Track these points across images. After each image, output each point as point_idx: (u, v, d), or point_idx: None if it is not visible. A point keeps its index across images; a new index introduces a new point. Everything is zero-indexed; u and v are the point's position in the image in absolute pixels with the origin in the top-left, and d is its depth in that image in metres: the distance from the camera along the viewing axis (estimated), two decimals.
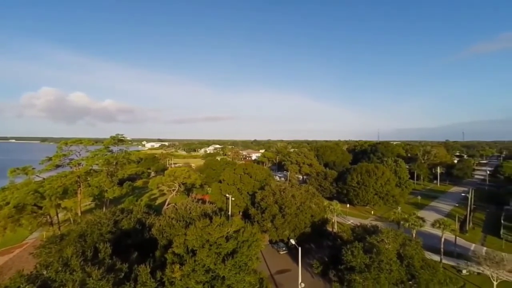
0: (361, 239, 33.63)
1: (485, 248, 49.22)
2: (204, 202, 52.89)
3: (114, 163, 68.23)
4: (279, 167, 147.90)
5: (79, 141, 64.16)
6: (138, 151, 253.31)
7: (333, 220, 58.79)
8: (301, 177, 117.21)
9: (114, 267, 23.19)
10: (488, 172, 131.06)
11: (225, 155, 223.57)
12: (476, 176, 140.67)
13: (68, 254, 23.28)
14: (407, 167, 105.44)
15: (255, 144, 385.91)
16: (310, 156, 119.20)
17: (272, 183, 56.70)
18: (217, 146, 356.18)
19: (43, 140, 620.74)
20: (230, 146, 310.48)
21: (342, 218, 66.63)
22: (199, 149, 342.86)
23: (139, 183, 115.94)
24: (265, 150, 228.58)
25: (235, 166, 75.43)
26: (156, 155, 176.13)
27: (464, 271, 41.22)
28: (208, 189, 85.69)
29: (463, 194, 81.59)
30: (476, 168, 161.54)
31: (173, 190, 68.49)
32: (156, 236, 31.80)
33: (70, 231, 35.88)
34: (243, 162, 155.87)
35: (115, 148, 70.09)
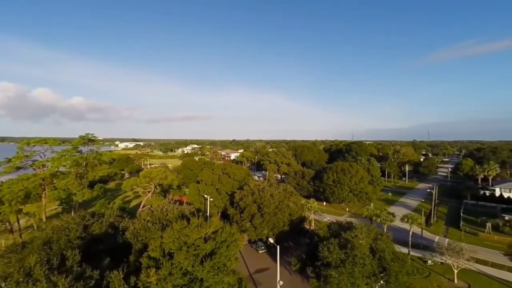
0: (336, 235, 34.80)
1: (447, 240, 53.28)
2: (181, 203, 51.66)
3: (84, 164, 64.32)
4: (258, 166, 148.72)
5: (43, 141, 59.52)
6: (111, 151, 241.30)
7: (311, 218, 60.33)
8: (279, 176, 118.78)
9: (83, 275, 21.87)
10: (449, 170, 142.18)
11: (203, 155, 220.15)
12: (439, 173, 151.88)
13: (30, 263, 21.50)
14: (379, 165, 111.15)
15: (234, 144, 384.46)
16: (288, 155, 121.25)
17: (251, 183, 56.82)
18: (195, 146, 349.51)
19: (2, 140, 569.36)
20: (208, 146, 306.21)
21: (319, 215, 68.55)
22: (176, 149, 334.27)
23: (111, 185, 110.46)
24: (244, 150, 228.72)
25: (213, 166, 74.49)
26: (130, 156, 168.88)
27: (429, 262, 44.29)
28: (185, 190, 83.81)
29: (428, 190, 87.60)
30: (439, 166, 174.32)
31: (149, 191, 66.09)
32: (130, 240, 30.48)
33: (33, 239, 33.27)
34: (222, 162, 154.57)
35: (85, 149, 66.04)
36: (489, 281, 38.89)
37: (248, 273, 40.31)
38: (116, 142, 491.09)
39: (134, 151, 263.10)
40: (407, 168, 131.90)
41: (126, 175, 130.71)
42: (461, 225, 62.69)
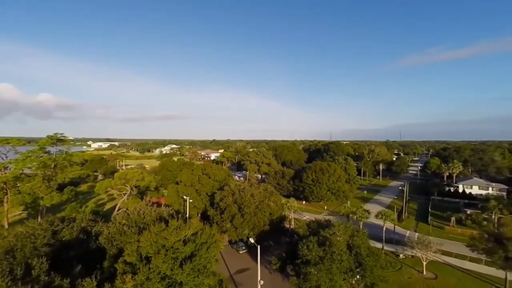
0: (315, 233, 35.67)
1: (417, 234, 56.60)
2: (159, 205, 50.15)
3: (52, 166, 60.32)
4: (239, 166, 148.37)
5: (5, 141, 55.11)
6: (83, 152, 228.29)
7: (290, 217, 61.29)
8: (260, 176, 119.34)
9: (51, 284, 20.51)
10: (419, 168, 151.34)
11: (183, 155, 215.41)
12: (410, 171, 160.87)
13: None
14: (355, 164, 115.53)
15: (214, 144, 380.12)
16: (269, 155, 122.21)
17: (231, 183, 56.54)
18: (174, 146, 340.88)
19: None
20: (187, 146, 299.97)
21: (299, 214, 69.85)
22: (154, 150, 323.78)
23: (83, 187, 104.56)
24: (224, 150, 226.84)
25: (193, 167, 73.13)
26: (104, 156, 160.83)
27: (401, 255, 46.83)
28: (164, 191, 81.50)
29: (400, 188, 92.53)
30: (410, 164, 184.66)
31: (125, 194, 63.45)
32: (105, 245, 29.09)
33: None
34: (202, 162, 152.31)
35: (53, 149, 61.94)
36: (453, 271, 41.92)
37: (229, 274, 40.09)
38: (89, 142, 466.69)
39: (108, 152, 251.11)
40: (381, 167, 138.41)
41: (100, 177, 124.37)
42: (429, 220, 66.99)
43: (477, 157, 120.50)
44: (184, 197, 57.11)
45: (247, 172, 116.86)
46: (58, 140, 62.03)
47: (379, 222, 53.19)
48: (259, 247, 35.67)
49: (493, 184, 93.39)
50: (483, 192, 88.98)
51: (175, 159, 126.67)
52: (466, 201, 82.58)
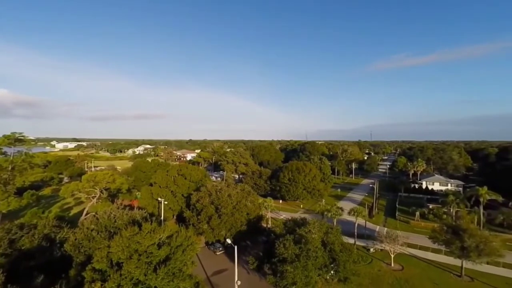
0: (292, 231, 36.41)
1: (386, 229, 59.93)
2: (132, 208, 48.03)
3: (10, 169, 55.20)
4: (216, 167, 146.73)
5: None
6: (46, 153, 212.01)
7: (268, 216, 61.91)
8: (237, 176, 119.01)
9: None
10: (388, 166, 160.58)
11: (157, 156, 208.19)
12: (380, 170, 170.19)
13: None
14: (330, 164, 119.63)
15: (191, 144, 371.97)
16: (246, 155, 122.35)
17: (208, 184, 55.76)
18: (148, 146, 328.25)
19: None
20: (162, 146, 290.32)
21: (276, 213, 70.79)
22: (126, 150, 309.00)
23: (46, 191, 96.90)
24: (201, 150, 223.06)
25: (168, 168, 71.03)
26: (71, 157, 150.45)
27: (371, 250, 49.39)
28: (137, 193, 78.15)
29: (371, 185, 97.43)
30: (380, 163, 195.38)
31: (93, 197, 59.91)
32: (71, 252, 27.25)
33: None
34: (177, 163, 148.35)
35: (10, 150, 56.68)
36: (418, 262, 45.10)
37: (206, 276, 39.52)
38: (53, 142, 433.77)
39: (75, 152, 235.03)
40: (353, 166, 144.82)
41: (66, 180, 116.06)
42: (396, 215, 71.42)
43: (438, 156, 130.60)
44: (159, 199, 55.26)
45: (225, 173, 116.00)
46: (16, 140, 56.95)
47: (352, 218, 55.62)
48: (236, 247, 35.59)
49: (452, 180, 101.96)
50: (443, 188, 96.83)
51: (149, 159, 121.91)
52: (429, 196, 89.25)
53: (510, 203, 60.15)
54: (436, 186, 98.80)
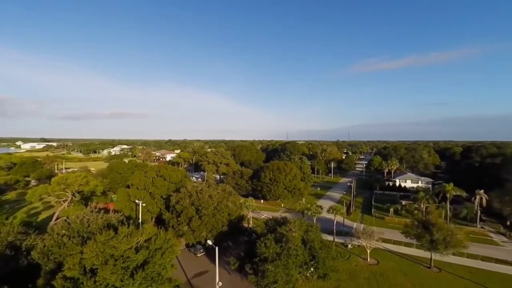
0: (273, 230, 36.78)
1: (362, 225, 62.37)
2: (107, 211, 45.91)
3: None
4: (196, 167, 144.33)
5: None
6: (10, 153, 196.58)
7: (249, 216, 62.04)
8: (218, 176, 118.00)
9: None
10: (364, 165, 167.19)
11: (135, 156, 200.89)
12: (357, 169, 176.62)
13: None
14: (310, 163, 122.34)
15: (170, 144, 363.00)
16: (227, 155, 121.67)
17: (188, 185, 54.72)
18: (125, 146, 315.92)
19: None
20: (140, 147, 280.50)
21: (257, 213, 71.08)
22: (101, 151, 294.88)
23: (11, 195, 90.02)
24: (181, 151, 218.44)
25: (146, 169, 68.70)
26: (39, 159, 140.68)
27: (349, 246, 51.17)
28: (112, 196, 74.96)
29: (348, 184, 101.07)
30: (357, 162, 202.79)
31: (65, 200, 56.58)
32: (39, 260, 25.55)
33: None
34: (156, 163, 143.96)
35: None
36: (392, 256, 47.44)
37: (186, 279, 38.81)
38: (18, 143, 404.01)
39: (44, 153, 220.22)
40: (332, 165, 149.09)
41: (33, 183, 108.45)
42: (372, 212, 74.59)
43: (410, 155, 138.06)
44: (136, 201, 53.39)
45: (205, 173, 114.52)
46: None
47: (331, 216, 57.25)
48: (217, 248, 35.32)
49: (422, 178, 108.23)
50: (415, 185, 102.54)
51: (126, 160, 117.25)
52: (402, 193, 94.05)
53: (473, 198, 65.07)
54: (408, 184, 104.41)
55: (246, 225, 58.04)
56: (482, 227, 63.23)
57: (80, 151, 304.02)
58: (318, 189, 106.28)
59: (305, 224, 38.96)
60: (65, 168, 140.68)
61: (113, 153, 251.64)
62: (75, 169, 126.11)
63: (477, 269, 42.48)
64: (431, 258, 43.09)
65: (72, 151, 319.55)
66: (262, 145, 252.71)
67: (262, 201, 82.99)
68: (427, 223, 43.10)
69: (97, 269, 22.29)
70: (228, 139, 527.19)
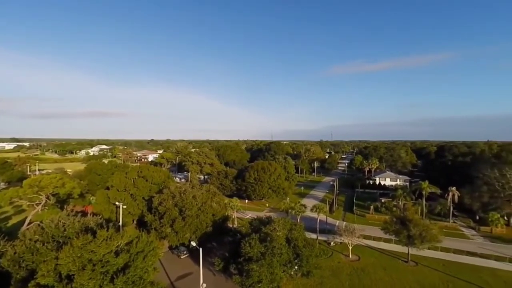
0: (257, 230, 36.88)
1: (344, 223, 64.12)
2: (85, 214, 44.04)
3: None
4: (180, 168, 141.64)
5: None
6: None
7: (234, 216, 61.81)
8: (202, 177, 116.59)
9: None
10: (346, 164, 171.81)
11: (115, 157, 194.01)
12: (339, 168, 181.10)
13: None
14: (294, 163, 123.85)
15: (152, 144, 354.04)
16: (211, 155, 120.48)
17: (171, 186, 53.61)
18: (104, 146, 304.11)
19: None
20: (121, 147, 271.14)
21: (242, 213, 71.00)
22: (78, 151, 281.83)
23: None
24: (164, 151, 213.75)
25: (127, 169, 66.52)
26: (9, 160, 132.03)
27: (332, 243, 52.39)
28: (91, 198, 71.95)
29: (331, 183, 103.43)
30: (339, 161, 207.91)
31: (38, 204, 53.53)
32: (9, 268, 24.01)
33: None
34: (138, 164, 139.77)
35: None
36: (372, 252, 49.13)
37: (169, 282, 38.03)
38: None
39: (14, 154, 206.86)
40: (315, 164, 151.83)
41: (2, 185, 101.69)
42: (354, 209, 76.83)
43: (389, 154, 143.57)
44: (117, 203, 51.58)
45: (189, 173, 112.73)
46: None
47: (314, 215, 58.31)
48: (201, 249, 34.93)
49: (400, 176, 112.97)
50: (394, 183, 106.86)
51: (106, 161, 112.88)
52: (381, 191, 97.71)
53: (446, 195, 68.79)
54: (388, 182, 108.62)
55: (231, 226, 57.79)
56: (454, 222, 67.02)
57: (55, 152, 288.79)
58: (302, 188, 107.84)
59: (289, 223, 39.41)
60: (39, 170, 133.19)
61: (91, 154, 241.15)
62: (50, 171, 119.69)
63: (449, 262, 45.01)
64: (408, 253, 45.08)
65: (46, 151, 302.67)
66: (247, 145, 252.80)
67: (246, 201, 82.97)
68: (404, 220, 45.02)
69: (73, 275, 21.29)
70: (212, 139, 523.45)
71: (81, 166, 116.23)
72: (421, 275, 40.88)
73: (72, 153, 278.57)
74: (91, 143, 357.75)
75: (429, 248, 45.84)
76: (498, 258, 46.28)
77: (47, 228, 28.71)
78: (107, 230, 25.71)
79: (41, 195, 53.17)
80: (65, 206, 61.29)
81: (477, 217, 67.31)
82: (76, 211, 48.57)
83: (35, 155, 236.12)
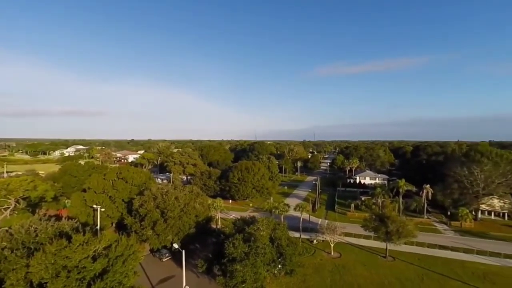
0: (241, 230, 36.83)
1: (326, 221, 65.59)
2: (59, 218, 41.79)
3: None
4: (162, 168, 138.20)
5: None
6: None
7: (217, 217, 61.29)
8: (185, 177, 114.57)
9: None
10: (328, 164, 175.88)
11: (92, 157, 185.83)
12: (322, 167, 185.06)
13: None
14: (277, 162, 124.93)
15: (133, 144, 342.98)
16: (195, 156, 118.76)
17: (153, 187, 52.21)
18: (80, 147, 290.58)
19: None
20: (99, 147, 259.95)
21: (225, 213, 70.57)
22: (52, 152, 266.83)
23: None
24: (145, 151, 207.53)
25: (106, 171, 63.90)
26: None
27: (314, 241, 53.43)
28: (66, 201, 68.47)
29: (314, 182, 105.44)
30: (322, 161, 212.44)
31: (6, 208, 50.12)
32: None
33: None
34: (117, 165, 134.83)
35: None
36: (353, 249, 50.67)
37: (151, 286, 37.04)
38: None
39: None
40: (299, 164, 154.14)
41: None
42: (335, 208, 78.82)
43: (369, 154, 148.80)
44: (94, 206, 49.43)
45: (171, 174, 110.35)
46: None
47: (297, 214, 59.16)
48: (184, 251, 34.33)
49: (379, 175, 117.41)
50: (373, 181, 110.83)
51: (82, 162, 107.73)
52: (362, 190, 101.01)
53: (421, 192, 72.40)
54: (367, 180, 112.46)
55: (215, 226, 57.25)
56: (428, 218, 70.71)
57: (26, 153, 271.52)
58: (286, 187, 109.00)
59: (273, 222, 39.70)
60: (7, 172, 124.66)
61: (66, 154, 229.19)
62: (20, 173, 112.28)
63: (424, 256, 47.43)
64: (386, 248, 46.96)
65: (16, 152, 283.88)
66: (231, 145, 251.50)
67: (230, 201, 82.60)
68: (383, 217, 46.83)
69: (46, 283, 20.16)
70: (195, 139, 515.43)
71: (55, 168, 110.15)
72: (398, 269, 42.73)
73: (45, 154, 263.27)
74: (66, 143, 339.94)
75: (405, 244, 47.96)
76: (466, 251, 49.50)
77: (16, 234, 26.94)
78: (84, 235, 24.59)
79: (10, 199, 49.86)
80: (37, 210, 57.88)
81: (449, 213, 71.47)
82: (50, 215, 45.88)
83: (3, 156, 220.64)
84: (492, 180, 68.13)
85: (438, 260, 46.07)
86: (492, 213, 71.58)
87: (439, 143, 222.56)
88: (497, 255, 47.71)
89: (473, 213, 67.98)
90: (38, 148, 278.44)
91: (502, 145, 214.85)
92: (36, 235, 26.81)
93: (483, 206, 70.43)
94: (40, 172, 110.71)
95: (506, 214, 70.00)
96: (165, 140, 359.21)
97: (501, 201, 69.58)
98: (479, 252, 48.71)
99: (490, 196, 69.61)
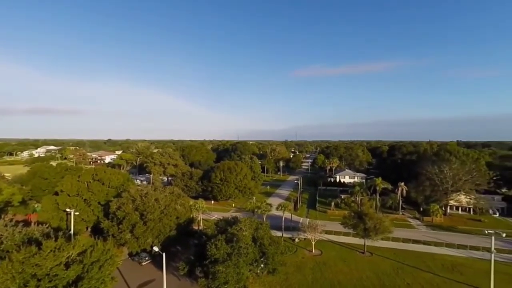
0: (223, 231, 36.58)
1: (308, 219, 66.87)
2: (28, 224, 39.18)
3: None
4: (141, 169, 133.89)
5: None
6: None
7: (199, 218, 60.43)
8: (166, 178, 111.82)
9: None
10: (310, 163, 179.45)
11: (65, 158, 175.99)
12: (303, 167, 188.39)
13: None
14: (260, 162, 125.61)
15: (110, 145, 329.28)
16: (175, 156, 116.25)
17: (131, 189, 50.42)
18: (52, 147, 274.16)
19: None
20: (72, 147, 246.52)
21: (208, 214, 69.73)
22: (19, 152, 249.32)
23: None
24: (123, 151, 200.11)
25: (80, 172, 60.75)
26: None
27: (296, 240, 54.29)
28: (35, 205, 64.37)
29: (295, 181, 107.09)
30: (303, 161, 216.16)
31: None
32: None
33: None
34: (93, 166, 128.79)
35: None
36: (333, 246, 52.10)
37: None
38: None
39: None
40: (281, 164, 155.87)
41: None
42: (317, 206, 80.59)
43: (348, 153, 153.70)
44: (67, 209, 46.83)
45: (151, 175, 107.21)
46: None
47: (280, 213, 59.83)
48: (164, 254, 33.50)
49: (358, 174, 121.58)
50: (352, 180, 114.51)
51: (54, 163, 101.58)
52: (341, 188, 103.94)
53: (396, 190, 76.01)
54: (347, 179, 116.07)
55: (196, 228, 56.41)
56: (403, 214, 74.36)
57: None
58: (268, 187, 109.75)
59: (255, 222, 39.84)
60: None
61: (36, 155, 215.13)
62: None
63: (399, 250, 49.83)
64: (364, 244, 48.79)
65: None
66: (213, 145, 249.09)
67: (212, 202, 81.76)
68: (361, 214, 48.60)
69: None
70: (176, 138, 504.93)
71: (24, 170, 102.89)
72: (375, 264, 44.55)
73: (11, 154, 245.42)
74: (35, 144, 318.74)
75: (382, 239, 50.10)
76: (437, 244, 52.73)
77: None
78: (55, 240, 23.24)
79: None
80: (2, 216, 53.78)
81: (421, 209, 75.61)
82: (17, 220, 42.83)
83: None
84: (460, 177, 72.94)
85: (411, 254, 48.59)
86: (460, 208, 76.73)
87: (412, 143, 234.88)
88: (464, 247, 51.23)
89: (443, 208, 72.44)
90: (3, 149, 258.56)
91: (468, 145, 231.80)
92: (1, 243, 24.95)
93: (451, 202, 75.24)
94: (6, 174, 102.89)
95: (471, 209, 75.30)
96: (144, 140, 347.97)
97: (467, 197, 74.67)
98: (448, 245, 52.03)
99: (458, 193, 74.47)
